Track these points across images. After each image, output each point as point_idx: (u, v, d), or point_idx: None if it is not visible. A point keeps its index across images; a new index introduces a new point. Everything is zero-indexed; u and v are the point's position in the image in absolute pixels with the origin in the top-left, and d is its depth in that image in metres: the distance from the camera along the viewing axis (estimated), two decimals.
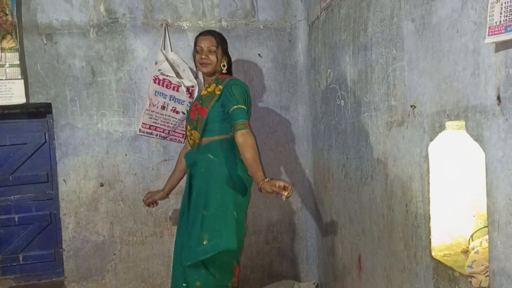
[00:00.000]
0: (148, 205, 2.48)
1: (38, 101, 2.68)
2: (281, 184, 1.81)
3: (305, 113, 2.98)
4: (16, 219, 2.79)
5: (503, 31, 1.02)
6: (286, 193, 1.79)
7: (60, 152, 2.72)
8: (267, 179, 1.87)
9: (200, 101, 2.16)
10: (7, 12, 2.55)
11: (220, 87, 2.09)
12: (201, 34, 2.20)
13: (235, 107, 2.00)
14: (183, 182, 2.32)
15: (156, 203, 2.49)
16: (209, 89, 2.14)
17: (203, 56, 2.12)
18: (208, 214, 2.01)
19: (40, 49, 2.67)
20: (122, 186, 2.78)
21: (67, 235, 2.73)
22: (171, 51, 2.78)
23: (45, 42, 2.68)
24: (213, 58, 2.12)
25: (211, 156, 2.08)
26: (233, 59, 2.62)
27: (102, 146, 2.76)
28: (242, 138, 1.95)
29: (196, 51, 2.16)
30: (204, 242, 1.97)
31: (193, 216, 2.07)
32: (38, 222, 2.82)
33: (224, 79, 2.13)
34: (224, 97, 2.06)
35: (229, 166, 2.07)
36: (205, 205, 2.03)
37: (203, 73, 2.21)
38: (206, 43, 2.12)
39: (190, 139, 2.19)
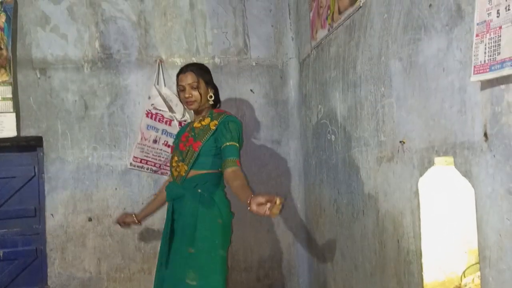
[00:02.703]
0: (120, 224, 2.43)
1: (29, 135, 2.67)
2: (270, 197, 1.60)
3: (297, 148, 3.00)
4: (1, 255, 2.71)
5: (487, 70, 1.06)
6: (278, 201, 1.57)
7: (49, 186, 2.68)
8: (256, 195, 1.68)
9: (193, 133, 2.11)
10: (2, 47, 2.58)
11: (216, 122, 2.06)
12: (180, 71, 2.15)
13: (228, 143, 1.97)
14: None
15: (128, 226, 2.44)
16: (203, 123, 2.11)
17: (187, 95, 2.08)
18: (196, 252, 1.94)
19: (33, 83, 2.69)
20: (111, 220, 2.73)
21: (53, 271, 2.66)
22: (165, 86, 2.81)
23: (38, 76, 2.70)
24: (196, 94, 2.08)
25: (200, 191, 2.03)
26: (225, 95, 2.65)
27: (92, 179, 2.73)
28: (233, 173, 1.90)
29: (179, 89, 2.13)
30: (193, 283, 1.89)
31: (176, 253, 1.99)
32: (24, 257, 2.74)
33: (220, 114, 2.10)
34: (219, 132, 2.02)
35: (218, 201, 2.02)
36: (191, 242, 1.95)
37: (192, 110, 2.18)
38: (187, 80, 2.08)
39: (176, 170, 2.12)
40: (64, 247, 2.68)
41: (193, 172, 2.06)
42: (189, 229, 1.98)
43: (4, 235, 2.73)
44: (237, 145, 1.99)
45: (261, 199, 1.60)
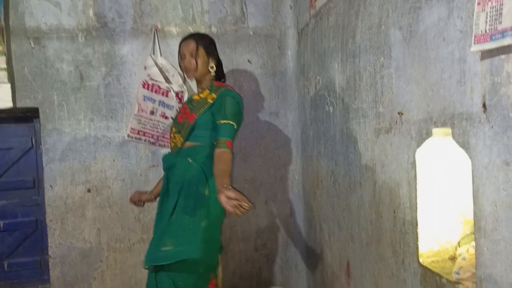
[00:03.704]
0: (134, 204, 2.39)
1: (25, 106, 2.65)
2: (242, 197, 1.64)
3: (295, 119, 2.99)
4: (1, 226, 2.74)
5: (488, 39, 1.04)
6: (245, 205, 1.61)
7: (47, 157, 2.68)
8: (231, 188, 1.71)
9: (190, 106, 2.11)
10: None
11: (214, 95, 2.03)
12: (182, 39, 2.15)
13: (223, 121, 1.93)
14: None
15: (143, 204, 2.41)
16: (201, 95, 2.09)
17: (186, 63, 2.08)
18: (176, 219, 1.95)
19: (28, 53, 2.64)
20: (110, 192, 2.76)
21: (53, 242, 2.69)
22: (161, 56, 2.77)
23: (33, 46, 2.65)
24: (194, 61, 2.07)
25: (190, 160, 2.01)
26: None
27: (90, 151, 2.73)
28: (220, 153, 1.88)
29: (180, 57, 2.12)
30: (167, 248, 1.89)
31: (162, 219, 2.01)
32: (24, 228, 2.78)
33: (219, 87, 2.08)
34: (216, 107, 1.99)
35: (208, 172, 1.98)
36: (174, 209, 1.97)
37: (191, 78, 2.17)
38: (186, 48, 2.08)
39: (173, 141, 2.13)
40: (64, 218, 2.70)
41: (187, 144, 2.07)
42: (175, 197, 1.99)
43: (3, 206, 2.76)
44: (233, 123, 1.95)
45: (231, 194, 1.64)
